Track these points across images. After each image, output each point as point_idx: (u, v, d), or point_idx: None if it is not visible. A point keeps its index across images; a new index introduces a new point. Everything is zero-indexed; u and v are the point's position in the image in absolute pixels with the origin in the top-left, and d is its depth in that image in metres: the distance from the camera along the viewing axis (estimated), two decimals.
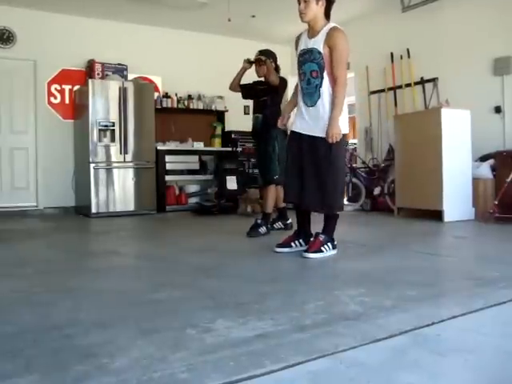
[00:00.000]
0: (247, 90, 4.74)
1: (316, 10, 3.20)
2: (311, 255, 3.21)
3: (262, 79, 4.62)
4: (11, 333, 1.77)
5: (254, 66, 4.60)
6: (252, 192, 6.69)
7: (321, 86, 3.23)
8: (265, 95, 4.54)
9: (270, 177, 4.48)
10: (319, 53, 3.20)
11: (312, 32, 3.28)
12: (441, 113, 5.21)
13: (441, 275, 2.86)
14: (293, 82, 7.74)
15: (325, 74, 3.21)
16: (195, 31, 7.80)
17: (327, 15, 3.29)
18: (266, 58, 4.48)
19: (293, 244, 3.46)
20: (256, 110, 4.70)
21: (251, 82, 4.74)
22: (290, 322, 1.82)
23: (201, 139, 7.52)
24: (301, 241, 3.46)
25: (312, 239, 3.33)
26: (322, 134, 3.21)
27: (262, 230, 4.35)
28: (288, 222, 4.61)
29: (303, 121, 3.33)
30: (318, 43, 3.22)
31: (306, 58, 3.28)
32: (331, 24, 3.27)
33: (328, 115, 3.20)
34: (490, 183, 5.38)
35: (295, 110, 3.55)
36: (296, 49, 3.43)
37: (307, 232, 3.48)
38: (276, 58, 4.61)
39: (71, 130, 7.08)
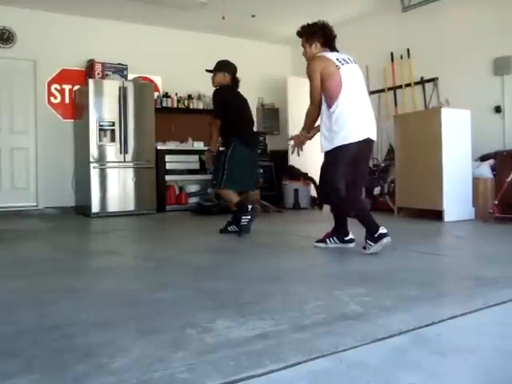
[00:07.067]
0: None
1: (312, 52, 3.52)
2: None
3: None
4: (11, 333, 1.77)
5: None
6: (252, 192, 6.68)
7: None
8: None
9: (216, 182, 4.50)
10: None
11: None
12: (441, 113, 5.21)
13: (441, 275, 2.86)
14: (294, 81, 7.85)
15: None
16: (195, 31, 7.79)
17: (332, 48, 3.52)
18: (217, 70, 4.52)
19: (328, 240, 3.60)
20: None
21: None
22: (290, 321, 1.82)
23: (201, 139, 7.50)
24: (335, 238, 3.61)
25: None
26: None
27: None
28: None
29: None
30: None
31: None
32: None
33: (324, 131, 3.43)
34: (490, 183, 5.38)
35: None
36: None
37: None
38: (233, 70, 4.57)
39: (71, 130, 7.08)
